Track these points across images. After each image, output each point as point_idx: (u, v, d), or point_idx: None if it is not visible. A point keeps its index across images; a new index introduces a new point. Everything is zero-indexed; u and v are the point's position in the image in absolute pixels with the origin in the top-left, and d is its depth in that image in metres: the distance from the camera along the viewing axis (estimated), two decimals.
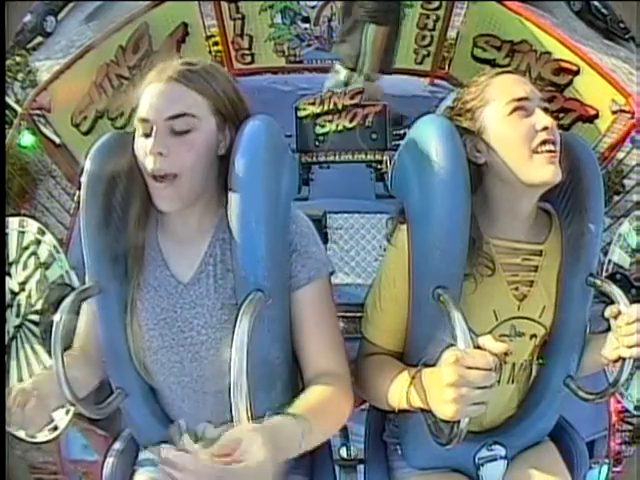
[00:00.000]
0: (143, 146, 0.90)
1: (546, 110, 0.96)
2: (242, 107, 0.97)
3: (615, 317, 0.94)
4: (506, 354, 1.01)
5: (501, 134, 0.96)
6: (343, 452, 1.64)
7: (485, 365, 0.74)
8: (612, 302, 0.96)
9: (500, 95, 0.97)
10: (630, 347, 0.91)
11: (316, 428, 0.80)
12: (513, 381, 1.06)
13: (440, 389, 0.76)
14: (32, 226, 1.98)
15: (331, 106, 3.49)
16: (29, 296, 1.92)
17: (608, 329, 0.98)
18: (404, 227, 0.97)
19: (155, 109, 0.89)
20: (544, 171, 0.93)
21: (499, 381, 1.04)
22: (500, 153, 0.95)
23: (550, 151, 0.93)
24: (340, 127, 3.53)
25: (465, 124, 0.98)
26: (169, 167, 0.89)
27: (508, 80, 1.00)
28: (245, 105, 0.98)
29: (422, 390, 0.84)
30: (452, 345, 0.79)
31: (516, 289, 1.00)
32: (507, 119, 0.95)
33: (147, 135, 0.90)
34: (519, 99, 0.96)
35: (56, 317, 0.89)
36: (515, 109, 0.95)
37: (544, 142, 0.93)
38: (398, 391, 0.92)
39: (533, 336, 1.03)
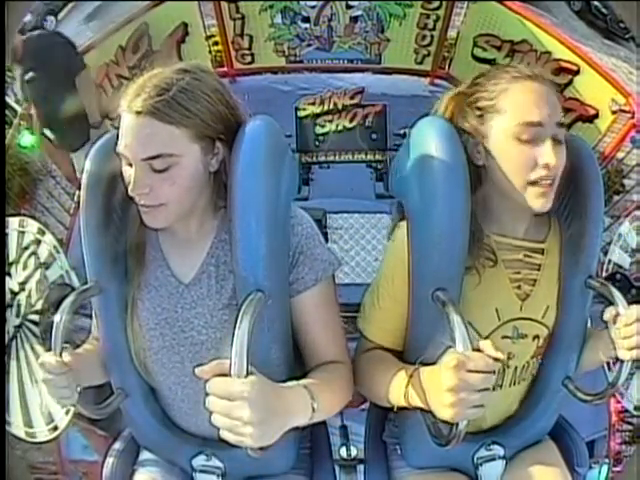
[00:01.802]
0: (127, 176, 0.88)
1: (557, 141, 0.91)
2: (234, 117, 0.92)
3: (614, 320, 0.94)
4: (509, 358, 1.02)
5: (502, 153, 0.92)
6: (343, 452, 1.64)
7: (485, 368, 0.74)
8: (611, 304, 0.95)
9: (514, 111, 0.91)
10: (630, 349, 0.91)
11: (322, 399, 0.83)
12: (515, 383, 1.05)
13: (440, 392, 0.76)
14: (32, 226, 1.99)
15: (331, 106, 3.49)
16: (29, 296, 1.92)
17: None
18: (403, 224, 0.96)
19: (130, 149, 0.85)
20: (533, 202, 0.92)
21: (501, 385, 1.04)
22: (497, 169, 0.93)
23: (547, 185, 0.91)
24: (340, 127, 3.54)
25: (471, 120, 0.95)
26: (154, 201, 0.88)
27: (527, 95, 0.91)
28: (237, 112, 0.93)
29: (421, 390, 0.84)
30: (451, 347, 0.79)
31: (518, 287, 0.99)
32: (512, 141, 0.91)
33: (129, 165, 0.88)
34: (531, 124, 0.90)
35: (56, 317, 0.90)
36: (524, 134, 0.90)
37: (542, 178, 0.90)
38: (396, 389, 0.92)
39: (536, 337, 1.02)
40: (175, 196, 0.88)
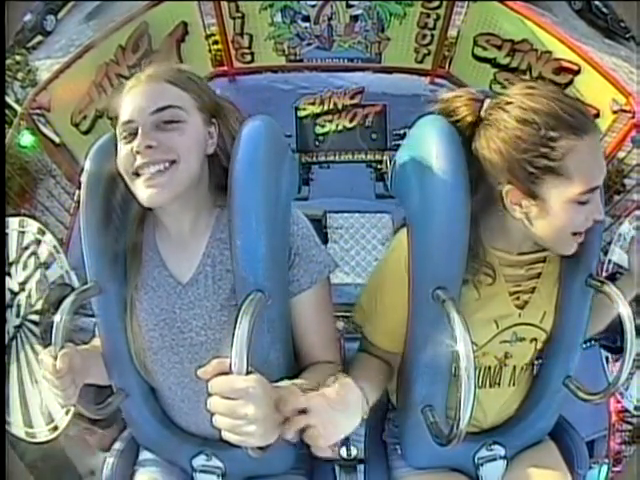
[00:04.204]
0: (127, 148, 0.88)
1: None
2: (228, 108, 0.97)
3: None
4: (506, 357, 1.02)
5: (556, 212, 0.88)
6: (343, 452, 1.64)
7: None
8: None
9: (581, 177, 0.84)
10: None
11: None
12: (514, 384, 1.06)
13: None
14: (32, 226, 1.99)
15: (331, 106, 3.50)
16: (29, 296, 1.92)
17: (607, 328, 0.98)
18: (403, 228, 0.96)
19: (139, 108, 0.88)
20: (566, 249, 0.93)
21: (499, 384, 1.04)
22: (539, 222, 0.90)
23: (580, 235, 0.91)
24: (340, 127, 3.55)
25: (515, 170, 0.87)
26: (164, 155, 0.87)
27: (593, 155, 0.86)
28: (229, 107, 0.98)
29: None
30: (452, 347, 0.79)
31: (517, 298, 0.99)
32: (572, 204, 0.87)
33: (132, 135, 0.88)
34: (597, 188, 0.87)
35: (56, 317, 0.89)
36: (585, 197, 0.86)
37: (584, 229, 0.90)
38: None
39: (533, 340, 1.02)
40: (185, 149, 0.88)
